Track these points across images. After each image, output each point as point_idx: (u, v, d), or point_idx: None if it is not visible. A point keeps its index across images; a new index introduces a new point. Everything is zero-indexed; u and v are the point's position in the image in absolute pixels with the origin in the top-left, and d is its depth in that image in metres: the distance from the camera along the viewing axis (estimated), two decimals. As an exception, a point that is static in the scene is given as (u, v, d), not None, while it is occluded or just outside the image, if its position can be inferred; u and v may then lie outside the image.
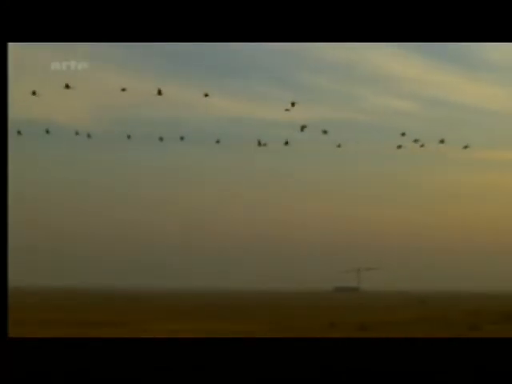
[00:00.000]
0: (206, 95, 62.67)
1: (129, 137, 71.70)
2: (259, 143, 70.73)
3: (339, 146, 73.37)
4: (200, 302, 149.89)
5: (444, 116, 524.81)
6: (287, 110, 62.81)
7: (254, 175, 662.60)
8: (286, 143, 72.13)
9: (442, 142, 71.77)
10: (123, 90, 61.39)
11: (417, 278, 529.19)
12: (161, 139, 72.92)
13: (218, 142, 73.20)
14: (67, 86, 58.74)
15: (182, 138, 73.31)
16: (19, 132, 67.00)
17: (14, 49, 33.63)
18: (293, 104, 62.69)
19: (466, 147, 77.14)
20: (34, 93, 60.60)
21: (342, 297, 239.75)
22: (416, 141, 71.28)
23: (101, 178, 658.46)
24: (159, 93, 61.32)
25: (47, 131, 73.75)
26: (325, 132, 70.17)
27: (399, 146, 72.36)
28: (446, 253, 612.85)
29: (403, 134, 70.10)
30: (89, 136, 71.78)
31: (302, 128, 67.90)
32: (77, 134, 71.16)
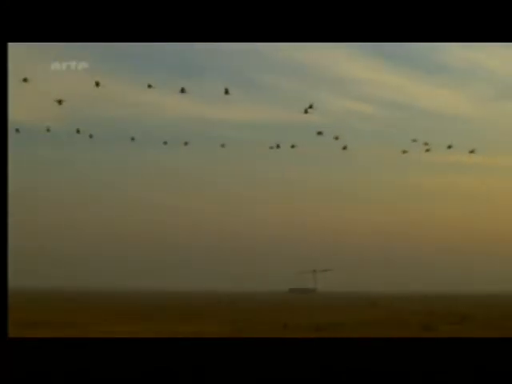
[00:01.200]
0: (227, 93, 61.70)
1: (132, 139, 72.05)
2: (272, 147, 71.14)
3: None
4: (152, 302, 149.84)
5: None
6: (306, 112, 62.21)
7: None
8: (291, 146, 72.14)
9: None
10: (149, 86, 60.36)
11: (381, 279, 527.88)
12: (165, 143, 73.35)
13: (223, 145, 74.41)
14: (97, 84, 58.21)
15: (186, 143, 73.55)
16: (17, 129, 66.99)
17: (14, 49, 33.63)
18: (311, 106, 62.23)
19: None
20: (59, 102, 60.18)
21: (295, 298, 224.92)
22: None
23: (101, 177, 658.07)
24: (182, 91, 60.76)
25: (48, 130, 73.91)
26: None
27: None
28: (409, 255, 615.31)
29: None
30: (90, 136, 71.86)
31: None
32: (78, 132, 71.23)
